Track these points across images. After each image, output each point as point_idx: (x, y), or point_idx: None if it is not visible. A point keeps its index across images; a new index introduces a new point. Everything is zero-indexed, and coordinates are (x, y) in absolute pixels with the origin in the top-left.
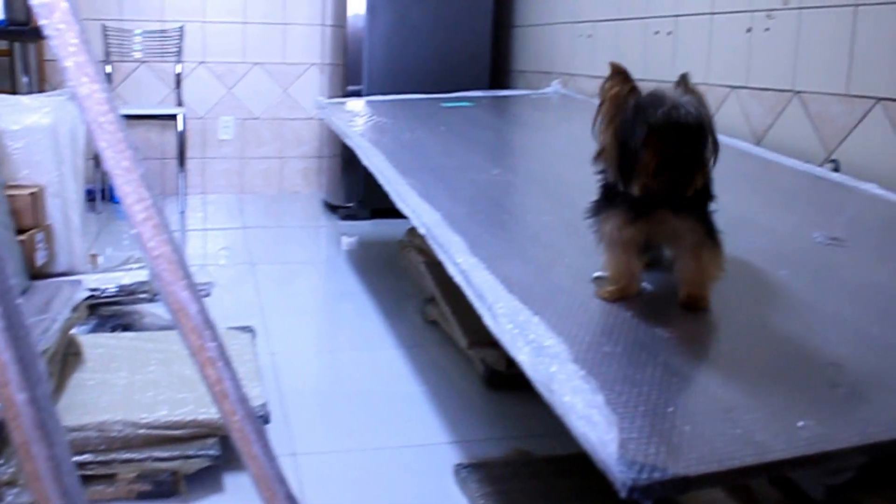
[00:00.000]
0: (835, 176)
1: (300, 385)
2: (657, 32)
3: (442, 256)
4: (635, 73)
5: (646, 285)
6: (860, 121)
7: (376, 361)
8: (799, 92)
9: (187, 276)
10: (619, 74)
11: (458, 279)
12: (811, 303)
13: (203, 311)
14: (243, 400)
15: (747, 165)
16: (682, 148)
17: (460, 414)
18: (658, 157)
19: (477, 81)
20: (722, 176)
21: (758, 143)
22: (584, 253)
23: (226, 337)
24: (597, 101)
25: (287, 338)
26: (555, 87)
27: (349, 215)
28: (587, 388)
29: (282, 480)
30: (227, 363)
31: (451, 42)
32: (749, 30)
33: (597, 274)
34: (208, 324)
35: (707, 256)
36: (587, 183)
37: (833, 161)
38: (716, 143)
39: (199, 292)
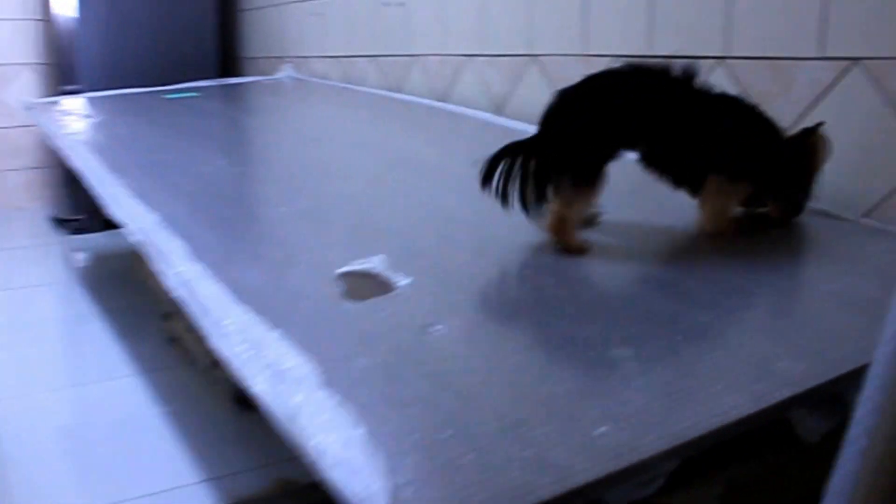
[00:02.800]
0: None
1: (8, 434)
2: (388, 5)
3: (161, 267)
4: (369, 49)
5: (401, 280)
6: None
7: (111, 394)
8: (537, 56)
9: None
10: None
11: (180, 293)
12: (592, 280)
13: None
14: None
15: (490, 136)
16: None
17: (212, 445)
18: None
19: (205, 71)
20: (464, 150)
21: (498, 111)
22: (325, 246)
23: None
24: (331, 83)
25: None
26: (287, 71)
27: (80, 229)
28: (343, 421)
29: None
30: None
31: (172, 31)
32: None
33: (342, 270)
34: None
35: None
36: (324, 168)
37: None
38: None
39: None
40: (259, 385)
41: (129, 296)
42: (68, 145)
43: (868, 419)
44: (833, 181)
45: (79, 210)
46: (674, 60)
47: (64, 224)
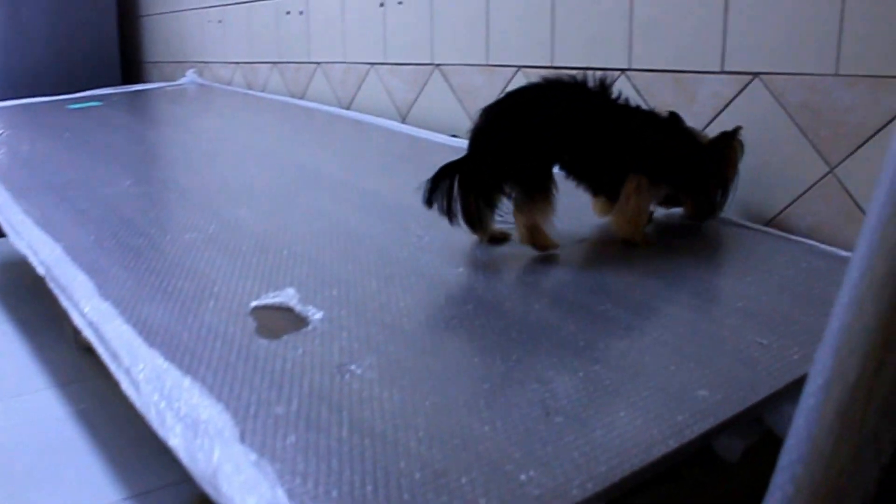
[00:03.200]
0: None
1: None
2: (289, 13)
3: (66, 304)
4: (271, 56)
5: (314, 313)
6: (503, 90)
7: (21, 411)
8: (439, 65)
9: None
10: None
11: (88, 333)
12: (504, 307)
13: None
14: None
15: (394, 145)
16: None
17: (134, 460)
18: None
19: (107, 77)
20: (369, 161)
21: (403, 119)
22: (236, 276)
23: None
24: (234, 89)
25: None
26: (190, 76)
27: None
28: (262, 480)
29: None
30: None
31: (73, 37)
32: (382, 4)
33: (254, 304)
34: None
35: None
36: (230, 187)
37: None
38: None
39: None
40: (174, 439)
41: (40, 305)
42: None
43: (789, 487)
44: (737, 190)
45: None
46: (589, 73)
47: None
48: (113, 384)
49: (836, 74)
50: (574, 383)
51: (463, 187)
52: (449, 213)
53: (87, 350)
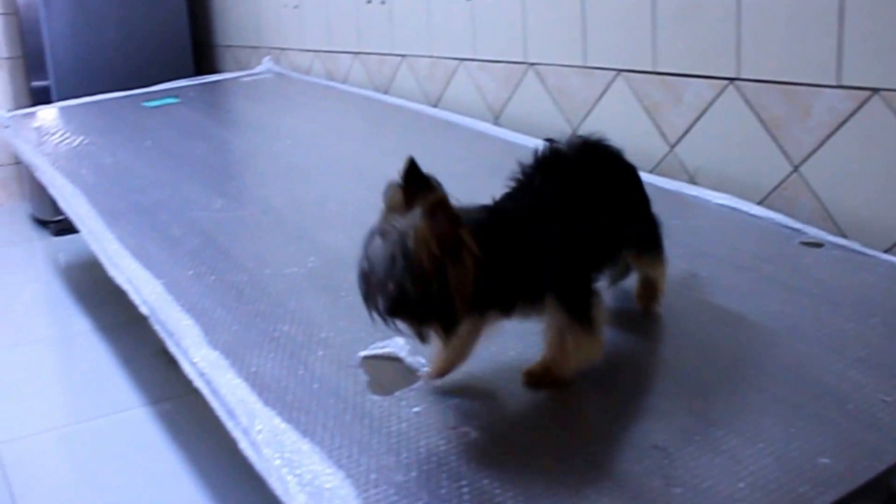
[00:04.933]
0: None
1: (18, 479)
2: (369, 1)
3: (174, 350)
4: (352, 46)
5: (423, 367)
6: (602, 94)
7: (116, 431)
8: (533, 64)
9: None
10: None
11: (199, 384)
12: (629, 355)
13: None
14: None
15: (491, 153)
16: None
17: (232, 482)
18: None
19: (180, 62)
20: (468, 172)
21: (496, 119)
22: (341, 320)
23: None
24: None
25: None
26: (267, 64)
27: (63, 230)
28: None
29: None
30: None
31: (143, 22)
32: None
33: (363, 353)
34: None
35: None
36: (322, 209)
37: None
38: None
39: None
40: None
41: (125, 307)
42: (53, 183)
43: None
44: (856, 213)
45: (59, 211)
46: None
47: (46, 224)
48: (202, 401)
49: None
50: (691, 450)
51: None
52: None
53: (173, 362)
